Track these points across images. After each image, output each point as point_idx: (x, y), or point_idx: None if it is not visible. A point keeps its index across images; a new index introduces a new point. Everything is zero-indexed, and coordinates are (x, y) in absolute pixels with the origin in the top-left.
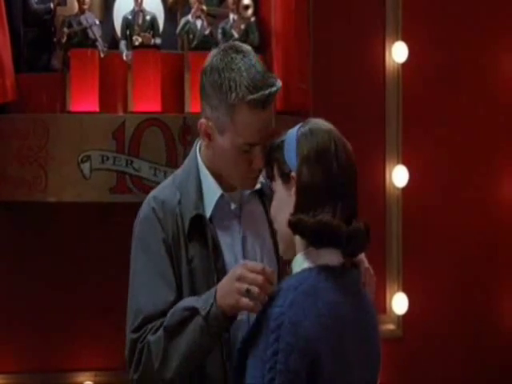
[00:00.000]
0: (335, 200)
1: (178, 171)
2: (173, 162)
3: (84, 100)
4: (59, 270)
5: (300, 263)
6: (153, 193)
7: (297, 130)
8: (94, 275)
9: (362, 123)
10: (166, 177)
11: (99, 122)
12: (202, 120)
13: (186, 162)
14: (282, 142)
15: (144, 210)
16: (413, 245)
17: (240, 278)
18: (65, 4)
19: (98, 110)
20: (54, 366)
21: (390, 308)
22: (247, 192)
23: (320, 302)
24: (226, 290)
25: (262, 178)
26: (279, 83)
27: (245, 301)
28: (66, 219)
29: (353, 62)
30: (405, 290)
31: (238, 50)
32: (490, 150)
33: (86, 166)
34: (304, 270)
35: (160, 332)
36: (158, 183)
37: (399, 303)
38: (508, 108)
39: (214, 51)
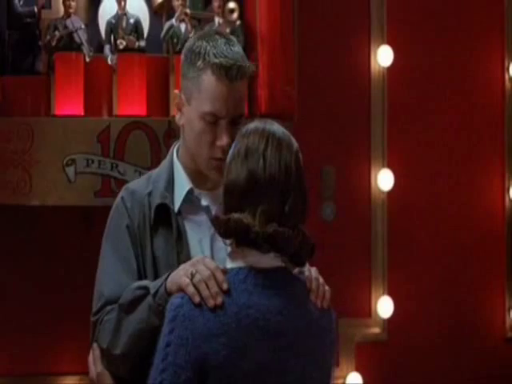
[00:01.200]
0: (258, 201)
1: (156, 169)
2: (157, 166)
3: (69, 103)
4: (44, 273)
5: (227, 261)
6: (127, 184)
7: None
8: (78, 278)
9: (348, 126)
10: None
11: (84, 126)
12: (175, 91)
13: (164, 160)
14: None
15: (116, 199)
16: (398, 248)
17: (193, 264)
18: (49, 7)
19: (82, 113)
20: (39, 369)
21: (375, 311)
22: None
23: (228, 303)
24: (177, 272)
25: None
26: (252, 67)
27: (188, 283)
28: (50, 222)
29: (338, 65)
30: (390, 294)
31: (223, 34)
32: (475, 154)
33: (70, 170)
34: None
35: (114, 310)
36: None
37: (384, 307)
38: (493, 111)
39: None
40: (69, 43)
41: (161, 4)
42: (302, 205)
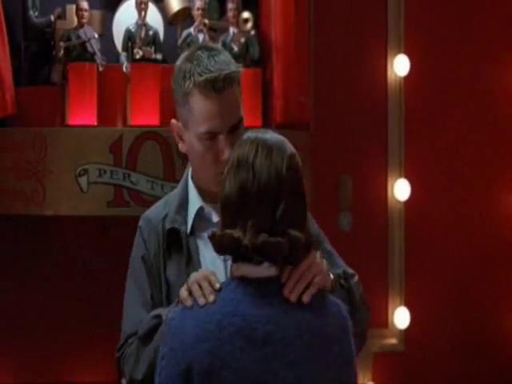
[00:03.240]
0: (249, 213)
1: (174, 190)
2: (170, 176)
3: (82, 113)
4: (57, 283)
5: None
6: (145, 212)
7: None
8: (92, 287)
9: (364, 136)
10: (163, 190)
11: (97, 136)
12: (172, 121)
13: (181, 180)
14: None
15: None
16: (415, 258)
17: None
18: (64, 18)
19: (96, 123)
20: (50, 378)
21: (392, 322)
22: None
23: (213, 311)
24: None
25: None
26: (235, 67)
27: (183, 291)
28: (63, 232)
29: (355, 74)
30: (407, 304)
31: (206, 48)
32: (492, 163)
33: (83, 180)
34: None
35: (134, 343)
36: (155, 197)
37: (401, 317)
38: (511, 121)
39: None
40: (82, 53)
41: (175, 14)
42: (297, 208)
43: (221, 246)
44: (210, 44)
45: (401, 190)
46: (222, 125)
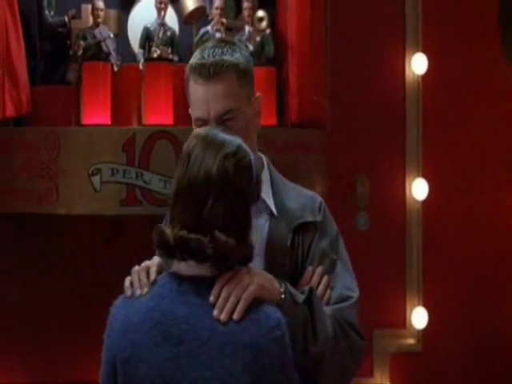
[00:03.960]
0: (179, 209)
1: None
2: None
3: (96, 113)
4: (68, 282)
5: None
6: None
7: None
8: (105, 286)
9: (382, 135)
10: None
11: (109, 135)
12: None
13: None
14: None
15: None
16: (433, 258)
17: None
18: (80, 17)
19: (110, 122)
20: (61, 377)
21: (410, 322)
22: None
23: (141, 304)
24: None
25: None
26: (235, 59)
27: (127, 282)
28: (76, 232)
29: (372, 74)
30: (425, 305)
31: (220, 40)
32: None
33: (96, 179)
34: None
35: None
36: (167, 196)
37: (419, 317)
38: None
39: None
40: (97, 53)
41: (190, 13)
42: (229, 211)
43: (154, 240)
44: (229, 38)
45: (419, 189)
46: (209, 111)
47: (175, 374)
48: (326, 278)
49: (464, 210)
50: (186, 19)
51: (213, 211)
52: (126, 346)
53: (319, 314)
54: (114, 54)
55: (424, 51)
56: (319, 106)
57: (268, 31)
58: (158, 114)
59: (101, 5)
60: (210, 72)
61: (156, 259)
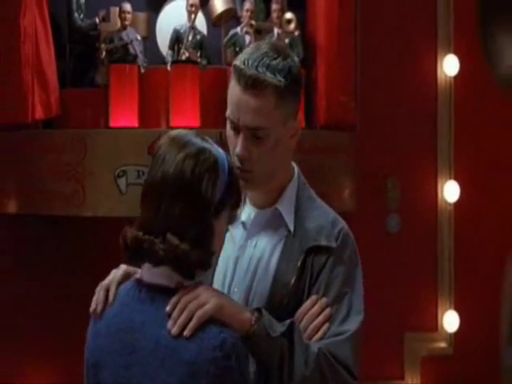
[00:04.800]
0: (142, 208)
1: None
2: None
3: (123, 115)
4: (94, 284)
5: None
6: None
7: None
8: None
9: (413, 137)
10: None
11: (135, 137)
12: None
13: None
14: None
15: None
16: (464, 261)
17: None
18: (109, 20)
19: (137, 125)
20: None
21: (442, 326)
22: (270, 213)
23: (109, 310)
24: None
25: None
26: (275, 81)
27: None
28: (102, 234)
29: (403, 75)
30: (456, 308)
31: (269, 43)
32: None
33: (122, 181)
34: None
35: None
36: None
37: (450, 321)
38: None
39: None
40: (124, 55)
41: (219, 15)
42: (184, 215)
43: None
44: (283, 46)
45: (450, 191)
46: (239, 118)
47: (131, 381)
48: (328, 310)
49: (496, 213)
50: (214, 21)
51: (168, 212)
52: (94, 350)
53: (299, 349)
54: (141, 56)
55: (456, 53)
56: (347, 108)
57: (297, 33)
58: (185, 116)
59: (128, 7)
60: (248, 84)
61: (121, 268)
